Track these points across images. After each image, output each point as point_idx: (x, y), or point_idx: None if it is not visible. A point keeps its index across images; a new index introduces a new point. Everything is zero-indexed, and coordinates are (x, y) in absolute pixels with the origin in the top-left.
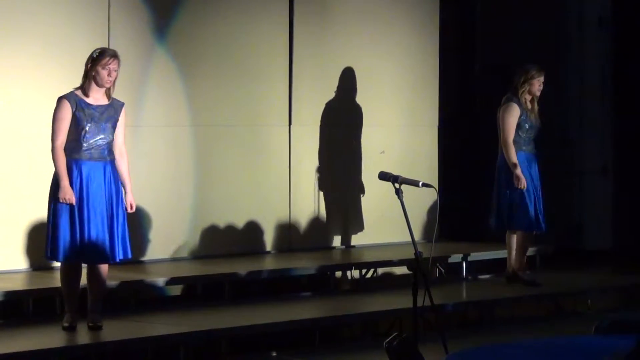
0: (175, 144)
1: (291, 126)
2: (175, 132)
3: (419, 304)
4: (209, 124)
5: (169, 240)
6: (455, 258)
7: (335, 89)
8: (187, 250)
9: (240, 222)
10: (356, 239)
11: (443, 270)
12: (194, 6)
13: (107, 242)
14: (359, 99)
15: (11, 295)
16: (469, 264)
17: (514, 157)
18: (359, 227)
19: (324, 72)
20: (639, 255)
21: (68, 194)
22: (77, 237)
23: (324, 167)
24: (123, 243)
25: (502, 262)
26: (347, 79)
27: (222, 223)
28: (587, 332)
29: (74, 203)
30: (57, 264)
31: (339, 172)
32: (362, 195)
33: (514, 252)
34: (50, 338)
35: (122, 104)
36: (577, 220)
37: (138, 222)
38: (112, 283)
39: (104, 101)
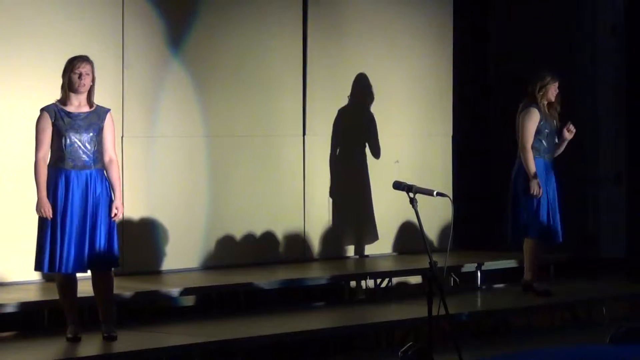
0: (190, 154)
1: (305, 136)
2: (189, 142)
3: (434, 313)
4: (223, 134)
5: (183, 250)
6: (470, 267)
7: (348, 99)
8: (201, 260)
9: (254, 232)
10: (370, 249)
11: (458, 280)
12: (208, 18)
13: (98, 250)
14: (373, 109)
15: (26, 306)
16: (483, 273)
17: (532, 165)
18: (374, 236)
19: (337, 82)
20: None
21: (45, 207)
22: (60, 247)
23: (338, 177)
24: (110, 252)
25: (517, 271)
26: (361, 89)
27: (236, 233)
28: (602, 341)
29: (50, 216)
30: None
31: (353, 181)
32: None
33: (529, 261)
34: (65, 349)
35: (108, 110)
36: (592, 228)
37: (153, 233)
38: (126, 293)
39: (86, 109)
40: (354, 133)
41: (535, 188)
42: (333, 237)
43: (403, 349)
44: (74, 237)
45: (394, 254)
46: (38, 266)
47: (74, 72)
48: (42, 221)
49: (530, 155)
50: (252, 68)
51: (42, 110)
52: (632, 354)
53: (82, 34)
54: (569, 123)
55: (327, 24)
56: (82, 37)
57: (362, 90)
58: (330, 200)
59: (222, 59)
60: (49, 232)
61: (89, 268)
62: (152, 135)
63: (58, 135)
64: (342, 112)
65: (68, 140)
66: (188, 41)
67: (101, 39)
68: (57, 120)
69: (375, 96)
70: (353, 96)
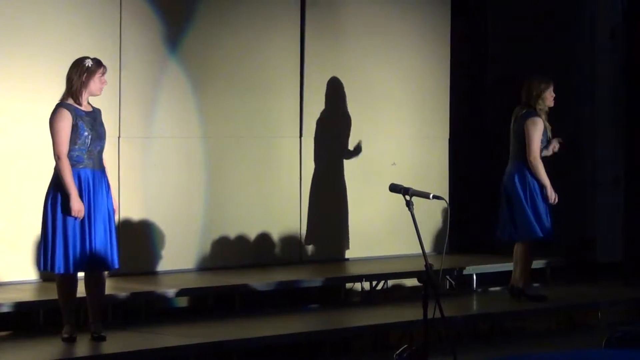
0: (187, 155)
1: (302, 138)
2: (186, 143)
3: (429, 316)
4: (220, 135)
5: (179, 251)
6: (466, 270)
7: (345, 101)
8: (197, 261)
9: (251, 234)
10: (367, 251)
11: (453, 283)
12: (206, 19)
13: (109, 250)
14: (370, 111)
15: (21, 306)
16: (479, 276)
17: (545, 176)
18: (369, 239)
19: (334, 84)
20: None
21: (81, 207)
22: (87, 247)
23: (335, 179)
24: (116, 251)
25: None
26: (357, 91)
27: (232, 234)
28: (598, 345)
29: (82, 216)
30: None
31: (349, 183)
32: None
33: (523, 265)
34: (61, 349)
35: (100, 111)
36: (588, 232)
37: (149, 234)
38: (122, 294)
39: (89, 108)
40: (351, 136)
41: (553, 196)
42: (330, 239)
43: (398, 351)
44: (99, 237)
45: (390, 256)
46: (64, 267)
47: (102, 76)
48: (66, 221)
49: (541, 166)
50: (250, 69)
51: (60, 107)
52: (628, 359)
53: (79, 34)
54: (558, 140)
55: (325, 25)
56: (79, 37)
57: (358, 93)
58: (327, 202)
59: (220, 60)
60: (77, 231)
61: (108, 266)
62: (149, 136)
63: (78, 135)
64: (338, 115)
65: (88, 140)
66: (185, 42)
67: (98, 39)
68: (78, 119)
69: (372, 99)
70: (349, 99)
